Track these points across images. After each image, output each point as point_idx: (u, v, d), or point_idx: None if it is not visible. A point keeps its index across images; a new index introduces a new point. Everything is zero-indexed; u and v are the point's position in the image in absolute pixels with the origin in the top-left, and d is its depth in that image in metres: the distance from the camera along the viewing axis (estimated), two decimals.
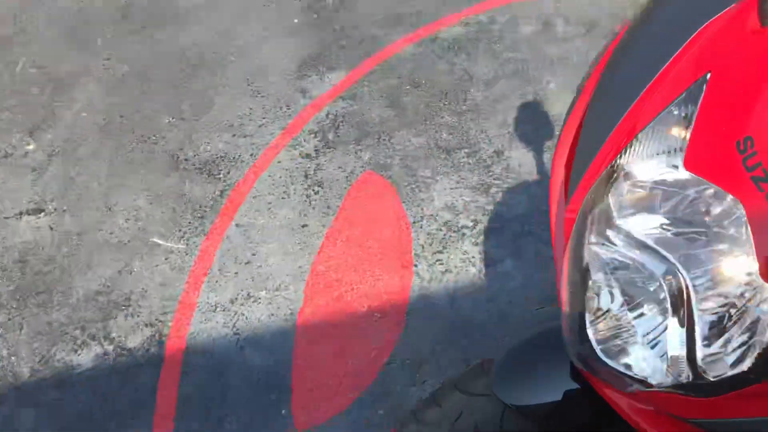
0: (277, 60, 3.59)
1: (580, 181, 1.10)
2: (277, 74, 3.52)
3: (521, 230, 2.88)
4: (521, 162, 3.11)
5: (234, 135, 3.25)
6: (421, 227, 2.89)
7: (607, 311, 0.99)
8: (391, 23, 3.77)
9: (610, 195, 1.02)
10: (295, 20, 3.81)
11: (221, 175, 3.09)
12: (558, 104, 3.33)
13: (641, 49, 1.18)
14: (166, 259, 2.82)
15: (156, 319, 2.64)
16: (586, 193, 1.06)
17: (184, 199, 3.00)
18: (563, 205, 1.23)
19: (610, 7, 3.83)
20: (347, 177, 3.07)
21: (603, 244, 1.01)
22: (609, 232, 1.00)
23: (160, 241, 2.87)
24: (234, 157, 3.16)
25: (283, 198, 3.01)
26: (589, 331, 1.02)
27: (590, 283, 1.01)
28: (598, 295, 1.01)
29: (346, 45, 3.67)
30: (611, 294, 1.00)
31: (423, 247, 2.83)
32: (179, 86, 3.46)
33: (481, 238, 2.86)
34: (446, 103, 3.36)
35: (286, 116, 3.33)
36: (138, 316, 2.65)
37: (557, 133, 3.16)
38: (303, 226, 2.91)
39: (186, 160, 3.15)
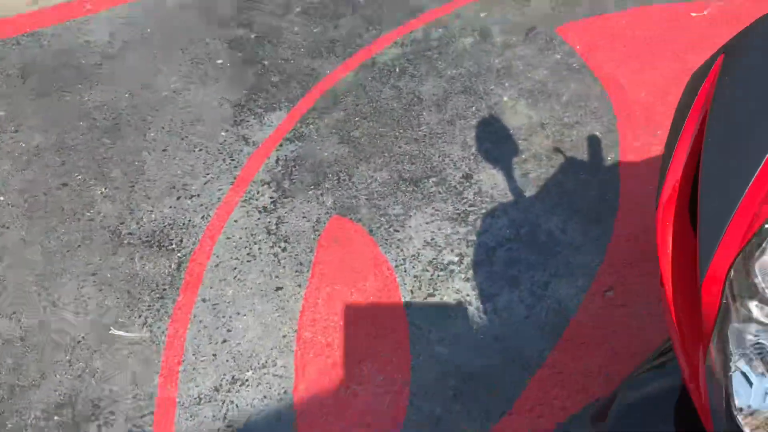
0: (209, 108, 3.30)
1: (715, 251, 0.93)
2: (211, 123, 3.23)
3: (510, 257, 2.72)
4: (493, 184, 2.96)
5: (178, 198, 2.94)
6: (405, 270, 2.69)
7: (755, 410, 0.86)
8: (324, 52, 3.54)
9: (757, 265, 0.86)
10: (219, 61, 3.52)
11: (174, 246, 2.78)
12: (515, 117, 3.21)
13: (758, 89, 1.02)
14: (130, 352, 2.49)
15: (134, 425, 2.32)
16: (729, 265, 0.90)
17: (137, 279, 2.68)
18: (668, 277, 1.07)
19: (542, 8, 3.75)
20: (314, 227, 2.83)
21: (750, 321, 0.86)
22: (755, 307, 0.85)
23: (120, 332, 2.54)
24: (184, 223, 2.85)
25: (248, 261, 2.73)
26: (739, 419, 0.86)
27: (733, 365, 0.86)
28: (742, 380, 0.86)
29: (280, 81, 3.42)
30: (761, 375, 0.86)
31: (412, 293, 2.63)
32: (104, 151, 3.12)
33: (471, 272, 2.68)
34: (401, 131, 3.17)
35: (232, 168, 3.05)
36: (112, 425, 2.32)
37: (521, 148, 3.03)
38: (277, 290, 2.65)
39: (130, 234, 2.82)
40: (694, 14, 3.65)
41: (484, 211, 2.86)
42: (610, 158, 3.04)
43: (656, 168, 2.98)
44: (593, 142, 3.09)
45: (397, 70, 3.44)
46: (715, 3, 3.74)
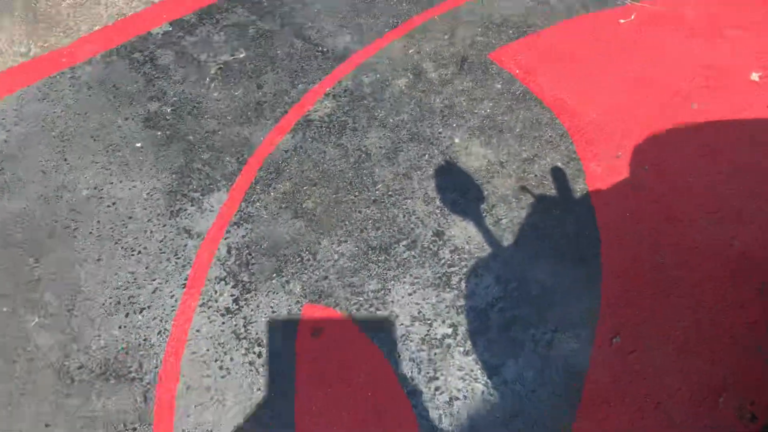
0: (138, 201, 2.95)
1: None
2: (144, 219, 2.89)
3: (505, 318, 2.54)
4: (466, 237, 2.77)
5: (127, 314, 2.60)
6: (398, 355, 2.46)
7: None
8: (252, 116, 3.25)
9: None
10: (138, 144, 3.17)
11: (134, 373, 2.44)
12: (471, 159, 3.03)
13: None
14: None
15: None
16: None
17: (100, 422, 2.33)
18: None
19: (469, 36, 3.59)
20: (286, 322, 2.55)
21: None
22: None
23: None
24: (139, 344, 2.52)
25: (222, 377, 2.43)
26: None
27: None
28: None
29: (212, 157, 3.11)
30: None
31: (412, 379, 2.40)
32: (29, 272, 2.72)
33: (469, 343, 2.48)
34: (356, 193, 2.93)
35: (180, 268, 2.72)
36: None
37: (486, 192, 2.85)
38: (263, 405, 2.36)
39: (80, 368, 2.46)
40: (622, 21, 3.59)
41: (465, 269, 2.67)
42: (578, 188, 2.91)
43: (626, 192, 2.88)
44: (558, 174, 2.95)
45: (336, 125, 3.20)
46: (638, 6, 3.69)
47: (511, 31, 3.59)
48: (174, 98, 3.35)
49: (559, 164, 2.99)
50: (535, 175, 2.96)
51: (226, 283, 2.67)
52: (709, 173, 2.94)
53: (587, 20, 3.64)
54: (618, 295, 2.58)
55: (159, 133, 3.21)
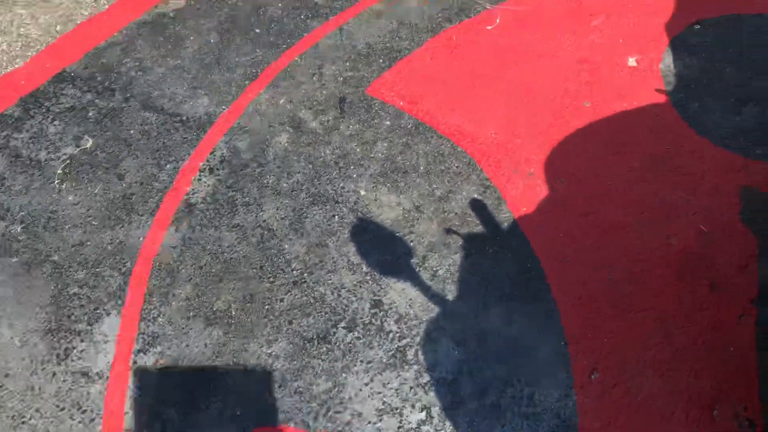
0: (10, 352, 2.43)
1: None
2: (26, 373, 2.37)
3: (476, 384, 2.30)
4: (408, 301, 2.51)
5: None
6: None
7: None
8: (123, 214, 2.79)
9: None
10: None
11: None
12: (384, 209, 2.77)
13: None
14: None
15: None
16: None
17: None
18: None
19: (341, 73, 3.31)
20: None
21: None
22: None
23: None
24: None
25: None
26: None
27: None
28: None
29: (88, 276, 2.62)
30: None
31: None
32: None
33: (449, 424, 2.22)
34: (272, 280, 2.58)
35: (89, 424, 2.26)
36: None
37: (412, 243, 2.61)
38: None
39: None
40: (489, 27, 3.46)
41: (419, 338, 2.41)
42: (503, 217, 2.73)
43: (552, 211, 2.74)
44: (478, 207, 2.76)
45: (224, 204, 2.81)
46: (499, 9, 3.57)
47: (381, 60, 3.35)
48: (21, 213, 2.80)
49: (476, 195, 2.80)
50: (456, 213, 2.75)
51: (150, 430, 2.23)
52: (623, 171, 2.87)
53: (454, 33, 3.47)
54: (580, 326, 2.43)
55: (14, 259, 2.67)
